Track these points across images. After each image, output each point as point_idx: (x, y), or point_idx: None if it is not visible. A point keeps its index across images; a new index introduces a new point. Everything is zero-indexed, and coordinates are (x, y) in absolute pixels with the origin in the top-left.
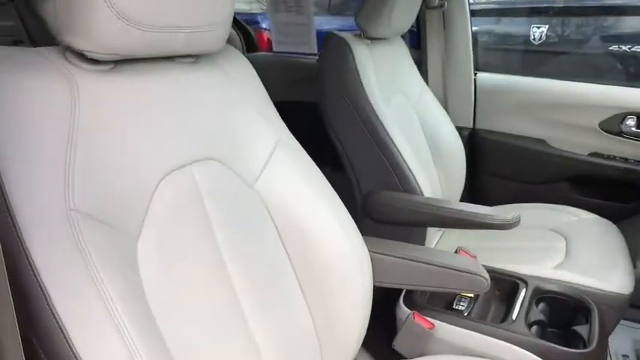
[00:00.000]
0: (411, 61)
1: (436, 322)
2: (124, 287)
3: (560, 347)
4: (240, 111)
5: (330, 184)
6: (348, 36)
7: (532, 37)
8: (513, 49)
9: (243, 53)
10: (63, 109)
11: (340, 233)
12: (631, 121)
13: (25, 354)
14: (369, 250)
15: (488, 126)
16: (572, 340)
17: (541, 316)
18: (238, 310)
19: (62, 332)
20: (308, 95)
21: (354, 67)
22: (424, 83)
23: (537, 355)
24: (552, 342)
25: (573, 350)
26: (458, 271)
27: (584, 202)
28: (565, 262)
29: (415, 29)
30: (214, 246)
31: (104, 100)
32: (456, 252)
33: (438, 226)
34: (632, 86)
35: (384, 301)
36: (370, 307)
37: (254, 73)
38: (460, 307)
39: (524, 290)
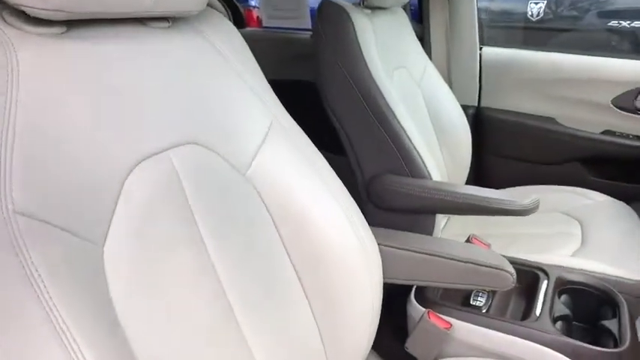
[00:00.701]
0: (414, 35)
1: (453, 321)
2: (81, 307)
3: (592, 347)
4: (228, 87)
5: (333, 171)
6: (345, 4)
7: (530, 13)
8: (511, 26)
9: None
10: None
11: (346, 225)
12: None
13: None
14: (378, 244)
15: (494, 104)
16: (601, 336)
17: (566, 310)
18: (230, 317)
19: None
20: (302, 74)
21: (355, 38)
22: (427, 58)
23: (566, 355)
24: (580, 339)
25: (606, 350)
26: (481, 265)
27: (597, 183)
28: (583, 249)
29: (417, 1)
30: (200, 245)
31: (50, 73)
32: (467, 241)
33: (449, 213)
34: None
35: (392, 296)
36: (380, 306)
37: (244, 43)
38: (478, 303)
39: (545, 282)
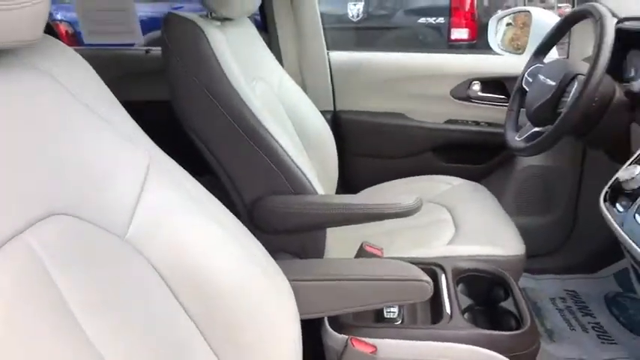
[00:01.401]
0: (264, 44)
1: (378, 342)
2: None
3: (504, 332)
4: (83, 131)
5: (223, 206)
6: (193, 16)
7: (350, 14)
8: (334, 28)
9: None
10: None
11: (250, 268)
12: (476, 87)
13: None
14: (288, 280)
15: (348, 106)
16: (503, 318)
17: (469, 301)
18: None
19: None
20: (148, 93)
21: (210, 51)
22: (281, 67)
23: (483, 347)
24: (490, 327)
25: (516, 332)
26: (397, 280)
27: (449, 168)
28: (459, 234)
29: (260, 10)
30: (79, 335)
31: None
32: (360, 249)
33: (339, 225)
34: (473, 54)
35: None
36: (301, 351)
37: (89, 67)
38: (392, 315)
39: (443, 276)
